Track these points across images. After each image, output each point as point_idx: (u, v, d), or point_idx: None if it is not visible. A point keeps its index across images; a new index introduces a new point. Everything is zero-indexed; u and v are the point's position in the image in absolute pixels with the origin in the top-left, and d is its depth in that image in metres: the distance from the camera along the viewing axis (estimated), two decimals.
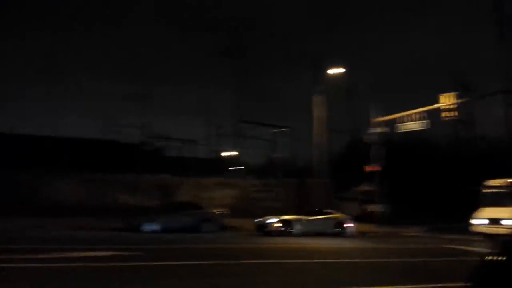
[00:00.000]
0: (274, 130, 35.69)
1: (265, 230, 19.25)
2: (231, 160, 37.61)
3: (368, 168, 25.79)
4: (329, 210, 20.89)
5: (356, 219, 26.92)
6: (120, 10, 74.79)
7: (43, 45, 64.14)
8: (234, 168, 36.34)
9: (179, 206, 20.91)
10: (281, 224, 19.13)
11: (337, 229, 19.89)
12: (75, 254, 10.85)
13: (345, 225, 20.10)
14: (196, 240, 15.87)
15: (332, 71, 27.95)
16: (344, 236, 19.58)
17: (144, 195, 25.84)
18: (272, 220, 19.50)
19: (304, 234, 18.94)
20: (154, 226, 18.94)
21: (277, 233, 18.82)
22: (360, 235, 21.18)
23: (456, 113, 23.09)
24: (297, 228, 19.22)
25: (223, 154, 39.18)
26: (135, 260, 10.49)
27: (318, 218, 20.01)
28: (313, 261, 11.64)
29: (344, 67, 27.82)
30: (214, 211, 20.92)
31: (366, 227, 23.40)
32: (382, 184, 25.50)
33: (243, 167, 36.14)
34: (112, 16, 76.02)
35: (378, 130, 25.99)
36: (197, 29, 76.02)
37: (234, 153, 37.56)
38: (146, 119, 38.31)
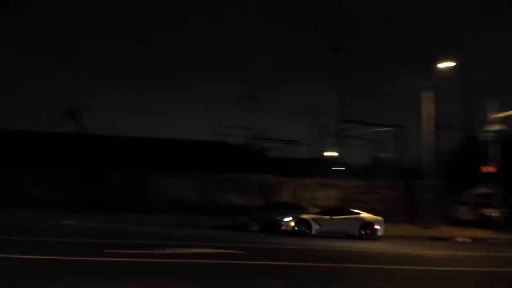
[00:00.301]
0: (379, 129, 34.45)
1: (280, 230, 18.39)
2: (333, 160, 37.15)
3: (485, 169, 23.74)
4: (355, 210, 19.13)
5: (470, 223, 25.08)
6: (223, 13, 78.13)
7: (154, 50, 69.57)
8: (337, 168, 35.81)
9: (280, 206, 21.34)
10: (297, 223, 18.11)
11: (364, 231, 17.99)
12: (179, 251, 11.66)
13: (374, 227, 18.08)
14: (294, 241, 16.05)
15: (442, 65, 26.11)
16: (373, 239, 17.74)
17: (249, 195, 26.76)
18: (288, 218, 18.50)
19: (324, 235, 17.77)
20: (257, 226, 19.65)
21: (293, 232, 17.85)
22: (473, 241, 19.59)
23: None
24: (315, 228, 18.02)
25: (325, 154, 38.90)
26: (234, 259, 10.99)
27: (341, 218, 18.36)
28: (446, 269, 11.22)
29: (455, 61, 25.85)
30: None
31: (482, 233, 21.63)
32: (501, 186, 23.27)
33: (345, 168, 35.45)
34: (218, 20, 79.80)
35: (496, 127, 23.74)
36: (301, 27, 76.41)
37: (336, 153, 37.04)
38: (251, 120, 39.62)
